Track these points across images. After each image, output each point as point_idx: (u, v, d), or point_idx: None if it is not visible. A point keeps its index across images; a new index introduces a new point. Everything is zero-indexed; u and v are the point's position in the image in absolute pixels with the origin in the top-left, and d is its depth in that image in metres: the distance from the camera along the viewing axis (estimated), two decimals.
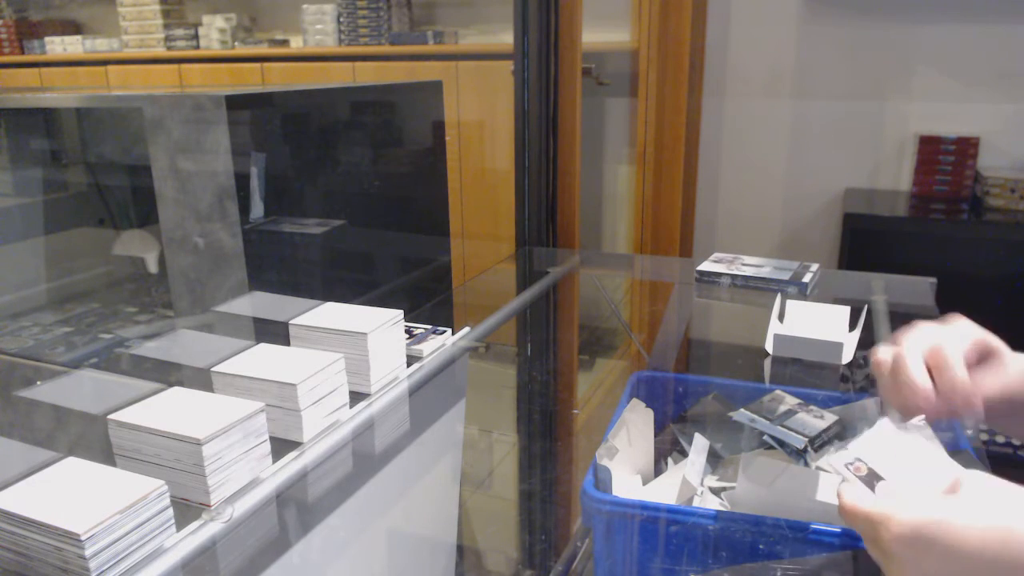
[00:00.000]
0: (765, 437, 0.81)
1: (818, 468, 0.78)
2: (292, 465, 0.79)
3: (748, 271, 1.46)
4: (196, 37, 3.51)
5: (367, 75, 2.97)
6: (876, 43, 2.49)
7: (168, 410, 0.74)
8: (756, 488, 0.71)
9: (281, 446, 0.81)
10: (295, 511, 0.77)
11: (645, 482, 0.82)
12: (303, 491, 0.79)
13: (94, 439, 0.77)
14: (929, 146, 2.44)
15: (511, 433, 1.17)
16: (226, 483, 0.72)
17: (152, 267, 1.54)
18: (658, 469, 0.86)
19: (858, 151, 2.61)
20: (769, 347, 1.13)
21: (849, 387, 1.04)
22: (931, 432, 0.58)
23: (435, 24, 3.24)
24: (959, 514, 0.45)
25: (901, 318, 1.24)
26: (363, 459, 0.87)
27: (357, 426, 0.88)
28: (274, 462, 0.78)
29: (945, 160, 2.44)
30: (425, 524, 0.94)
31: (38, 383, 1.10)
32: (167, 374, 1.11)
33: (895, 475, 0.54)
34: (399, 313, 0.96)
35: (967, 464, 0.54)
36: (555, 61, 1.73)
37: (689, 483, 0.76)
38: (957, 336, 0.59)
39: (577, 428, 1.14)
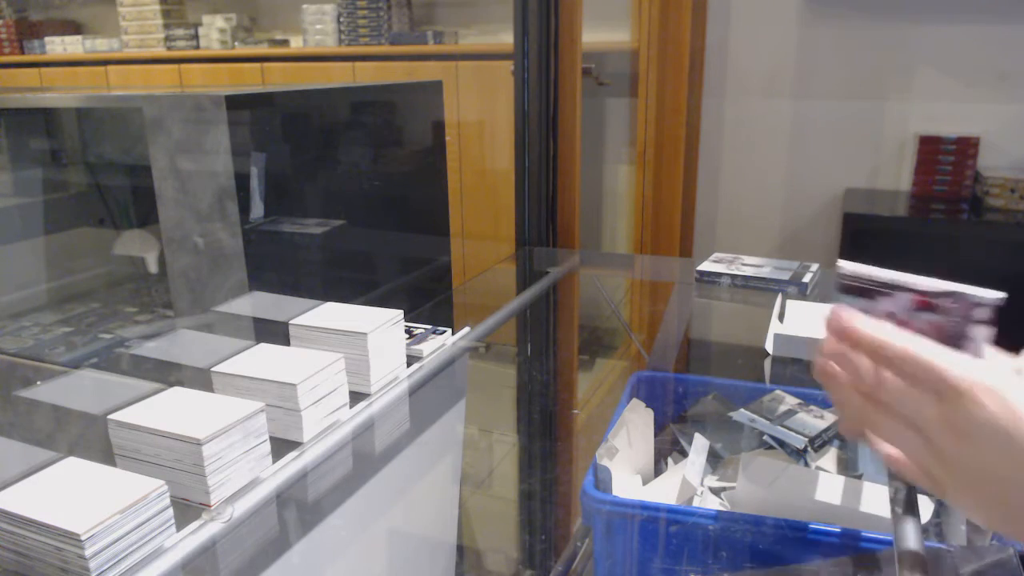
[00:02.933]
0: (765, 437, 0.81)
1: (818, 468, 0.78)
2: (292, 465, 0.79)
3: (748, 271, 1.46)
4: (196, 37, 3.51)
5: (367, 75, 2.97)
6: (876, 43, 2.49)
7: (168, 410, 0.74)
8: (756, 488, 0.71)
9: (281, 446, 0.81)
10: (295, 511, 0.77)
11: (645, 482, 0.82)
12: (303, 491, 0.79)
13: (94, 439, 0.77)
14: (929, 146, 2.44)
15: (511, 433, 1.17)
16: (226, 483, 0.72)
17: (152, 267, 1.54)
18: (658, 469, 0.86)
19: (858, 151, 2.61)
20: (769, 347, 1.13)
21: None
22: None
23: (435, 24, 3.24)
24: None
25: None
26: (363, 459, 0.87)
27: (357, 426, 0.88)
28: (274, 462, 0.78)
29: (945, 160, 2.44)
30: (425, 524, 0.93)
31: (38, 383, 1.10)
32: (167, 374, 1.11)
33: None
34: (399, 313, 0.96)
35: None
36: (555, 61, 1.73)
37: (689, 483, 0.76)
38: None
39: (577, 428, 1.14)
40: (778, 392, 0.87)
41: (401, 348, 0.99)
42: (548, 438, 1.12)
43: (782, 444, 0.79)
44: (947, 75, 2.44)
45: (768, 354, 1.13)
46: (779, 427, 0.80)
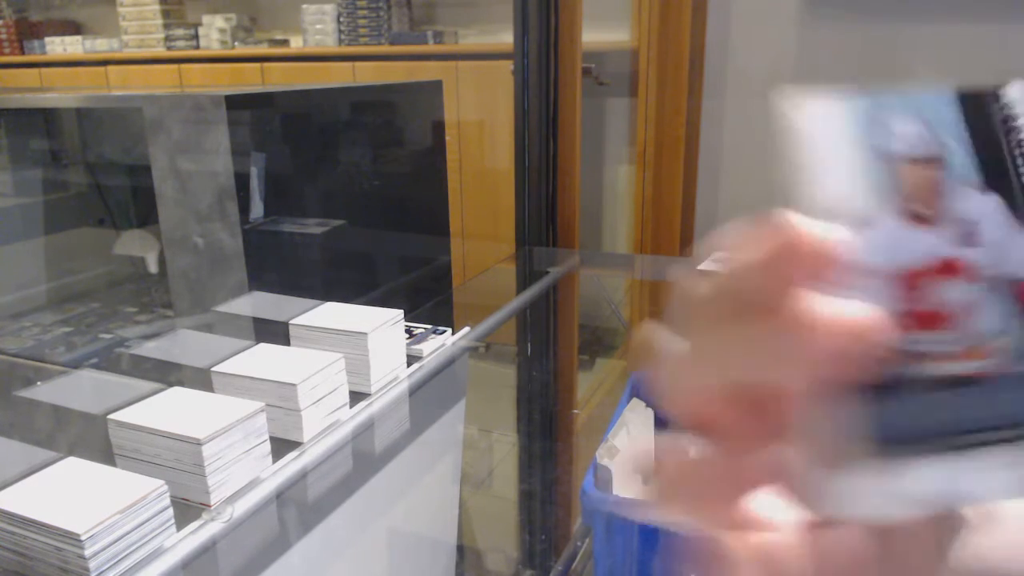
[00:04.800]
0: None
1: None
2: (292, 465, 0.79)
3: None
4: (196, 37, 3.51)
5: (367, 75, 2.97)
6: (876, 43, 2.49)
7: (168, 410, 0.74)
8: None
9: (281, 446, 0.80)
10: (295, 511, 0.77)
11: (645, 482, 0.82)
12: (303, 491, 0.79)
13: (94, 439, 0.77)
14: None
15: (511, 433, 1.17)
16: (226, 483, 0.72)
17: (152, 267, 1.54)
18: None
19: None
20: None
21: None
22: None
23: (435, 24, 3.24)
24: None
25: None
26: (363, 459, 0.87)
27: (357, 426, 0.88)
28: (274, 462, 0.78)
29: None
30: (425, 524, 0.93)
31: (38, 383, 1.10)
32: (167, 374, 1.11)
33: None
34: (399, 313, 0.96)
35: None
36: (555, 61, 1.73)
37: None
38: None
39: (577, 428, 1.14)
40: None
41: (401, 348, 0.99)
42: (548, 438, 1.12)
43: None
44: (948, 75, 2.44)
45: None
46: None
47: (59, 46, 3.80)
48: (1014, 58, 2.36)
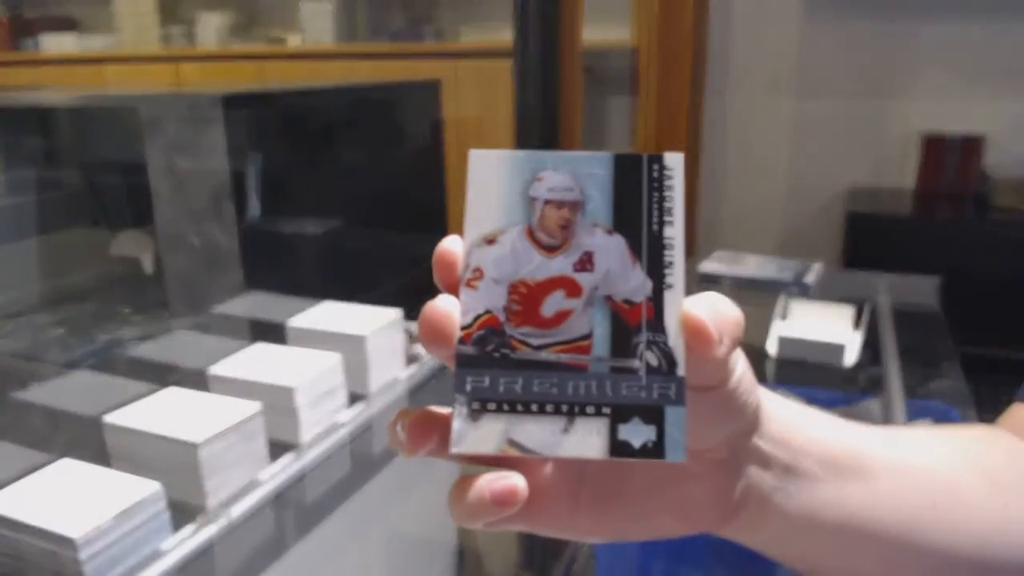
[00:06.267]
0: None
1: None
2: (290, 467, 0.78)
3: (750, 270, 1.45)
4: (193, 35, 3.51)
5: (365, 74, 2.96)
6: (880, 40, 2.49)
7: (164, 412, 0.73)
8: None
9: (278, 448, 0.80)
10: (292, 513, 0.76)
11: None
12: (301, 493, 0.78)
13: (89, 441, 0.76)
14: (934, 144, 2.44)
15: None
16: (223, 485, 0.71)
17: (148, 267, 1.53)
18: None
19: (862, 149, 2.60)
20: (772, 348, 1.12)
21: (852, 388, 1.03)
22: None
23: (435, 22, 3.23)
24: None
25: (905, 317, 1.24)
26: (362, 461, 0.86)
27: (355, 428, 0.87)
28: (271, 464, 0.77)
29: (950, 158, 2.43)
30: (424, 526, 0.93)
31: (32, 384, 1.10)
32: (163, 375, 1.10)
33: None
34: (398, 313, 0.96)
35: None
36: (555, 61, 1.72)
37: None
38: None
39: None
40: (780, 393, 0.86)
41: (400, 348, 0.98)
42: None
43: None
44: (952, 73, 2.44)
45: (770, 355, 1.12)
46: None
47: (54, 43, 3.79)
48: (1020, 56, 2.35)
